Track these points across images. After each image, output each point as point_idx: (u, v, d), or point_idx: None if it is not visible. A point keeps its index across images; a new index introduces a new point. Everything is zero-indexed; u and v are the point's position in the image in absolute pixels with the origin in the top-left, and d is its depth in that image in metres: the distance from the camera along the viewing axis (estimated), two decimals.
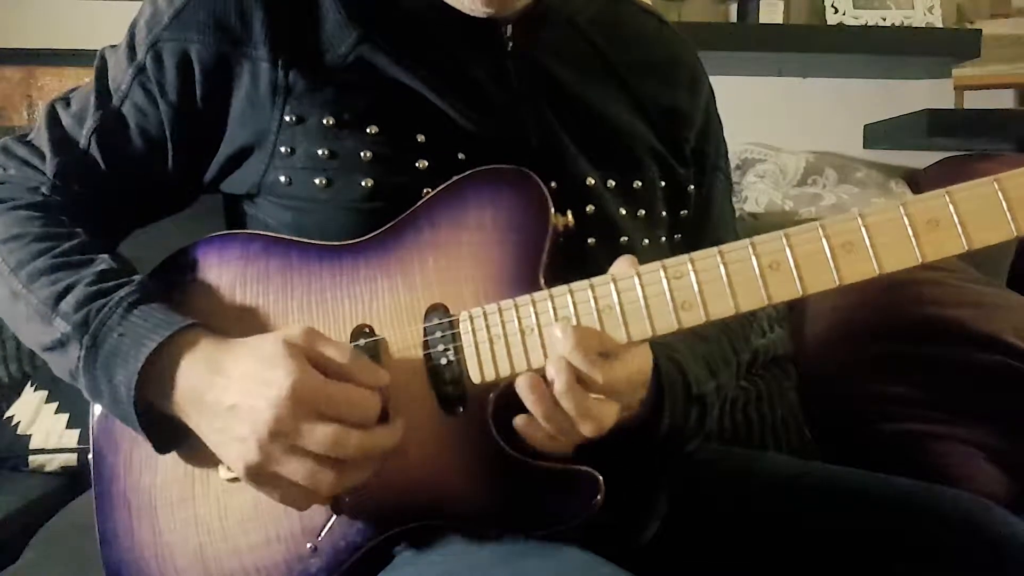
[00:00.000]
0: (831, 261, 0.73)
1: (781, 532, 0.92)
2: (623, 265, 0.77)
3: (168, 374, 0.77)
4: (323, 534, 0.80)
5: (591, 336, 0.74)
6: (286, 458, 0.73)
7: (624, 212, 0.92)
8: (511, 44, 0.91)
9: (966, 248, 0.71)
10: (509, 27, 0.91)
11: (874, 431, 1.52)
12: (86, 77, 0.93)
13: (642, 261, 0.77)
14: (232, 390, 0.75)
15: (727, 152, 1.09)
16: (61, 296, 0.80)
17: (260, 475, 0.75)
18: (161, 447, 0.81)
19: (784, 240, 0.73)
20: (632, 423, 0.82)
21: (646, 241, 0.92)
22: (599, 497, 0.75)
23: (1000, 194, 0.71)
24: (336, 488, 0.75)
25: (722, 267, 0.74)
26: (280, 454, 0.73)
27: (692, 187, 1.00)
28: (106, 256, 0.84)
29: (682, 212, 0.99)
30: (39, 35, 2.01)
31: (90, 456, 0.88)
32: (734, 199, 1.90)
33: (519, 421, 0.76)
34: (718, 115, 1.07)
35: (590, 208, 0.90)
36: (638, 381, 0.79)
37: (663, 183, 0.97)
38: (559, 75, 0.93)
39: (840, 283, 0.73)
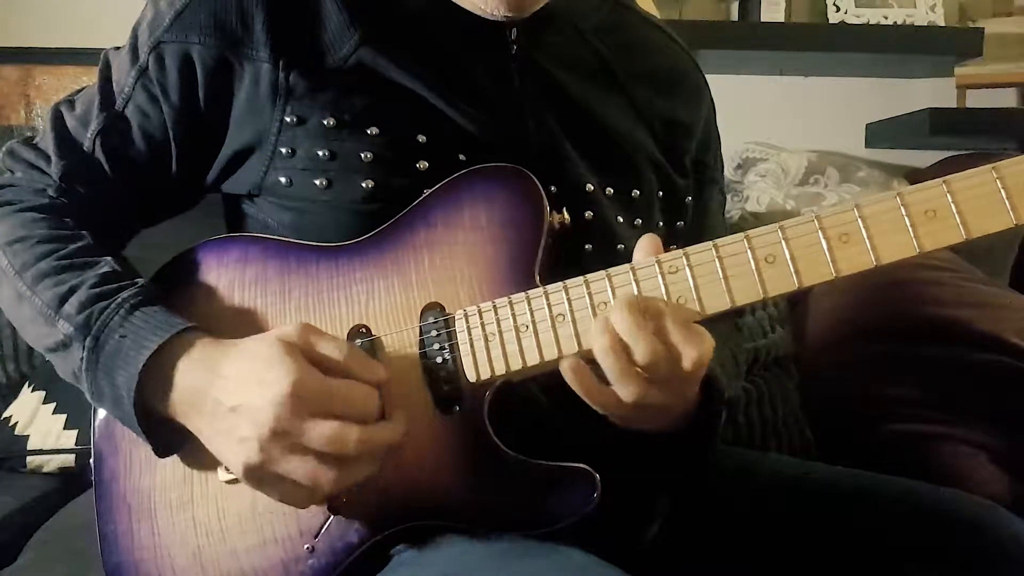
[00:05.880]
0: (828, 253, 0.72)
1: (783, 533, 0.92)
2: (643, 244, 0.77)
3: (167, 376, 0.77)
4: (320, 535, 0.80)
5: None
6: (287, 457, 0.73)
7: (622, 220, 0.92)
8: (515, 47, 0.91)
9: (964, 237, 0.70)
10: (514, 30, 0.91)
11: (876, 431, 1.51)
12: (84, 76, 0.94)
13: None
14: (232, 391, 0.75)
15: (723, 166, 1.10)
16: (64, 298, 0.80)
17: (261, 475, 0.75)
18: (161, 450, 0.81)
19: (780, 233, 0.73)
20: (676, 424, 0.82)
21: None
22: (596, 495, 0.75)
23: (998, 182, 0.70)
24: (337, 486, 0.75)
25: (717, 261, 0.74)
26: (281, 453, 0.73)
27: (690, 198, 1.00)
28: (109, 259, 0.84)
29: (679, 223, 0.99)
30: (37, 34, 2.01)
31: (91, 461, 0.88)
32: (735, 199, 1.93)
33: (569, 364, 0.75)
34: (717, 128, 1.07)
35: (588, 214, 0.90)
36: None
37: (661, 193, 0.97)
38: (561, 80, 0.93)
39: (837, 275, 0.73)
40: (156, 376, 0.77)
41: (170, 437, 0.80)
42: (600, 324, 0.73)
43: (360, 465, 0.75)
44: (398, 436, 0.76)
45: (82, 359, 0.79)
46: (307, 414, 0.73)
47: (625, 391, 0.74)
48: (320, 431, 0.73)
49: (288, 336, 0.76)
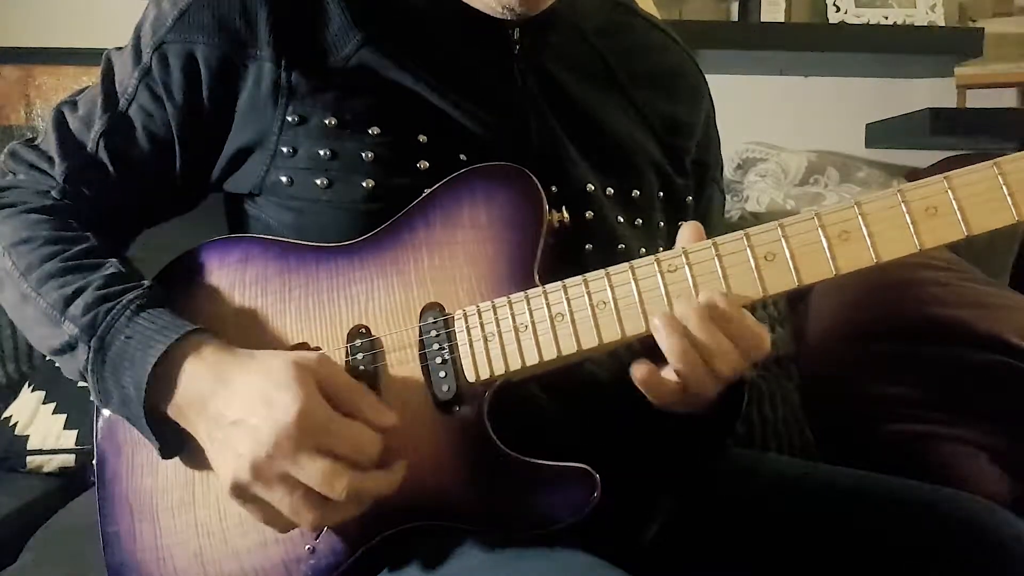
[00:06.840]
0: (828, 251, 0.72)
1: (783, 533, 0.92)
2: (685, 233, 0.77)
3: (173, 378, 0.77)
4: (321, 536, 0.80)
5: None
6: (275, 485, 0.73)
7: (622, 220, 0.92)
8: (518, 47, 0.91)
9: (965, 234, 0.70)
10: (517, 30, 0.91)
11: (876, 431, 1.51)
12: (84, 76, 0.94)
13: None
14: (237, 404, 0.75)
15: (723, 166, 1.10)
16: (70, 299, 0.81)
17: (246, 494, 0.75)
18: (166, 451, 0.81)
19: (780, 231, 0.73)
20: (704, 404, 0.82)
21: (643, 250, 0.92)
22: (596, 495, 0.75)
23: (1000, 178, 0.70)
24: (316, 525, 0.75)
25: (717, 259, 0.74)
26: (271, 478, 0.73)
27: (690, 198, 1.01)
28: (114, 260, 0.84)
29: (679, 223, 0.99)
30: (37, 34, 2.01)
31: (93, 462, 0.88)
32: (735, 199, 1.93)
33: (641, 373, 0.76)
34: (717, 129, 1.07)
35: (589, 214, 0.90)
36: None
37: (661, 193, 0.97)
38: (563, 81, 0.93)
39: (837, 273, 0.72)
40: (162, 378, 0.77)
41: (175, 438, 0.81)
42: (673, 328, 0.74)
43: (345, 508, 0.74)
44: (392, 488, 0.76)
45: (88, 360, 0.79)
46: (305, 447, 0.72)
47: (702, 387, 0.75)
48: (314, 468, 0.72)
49: (305, 361, 0.75)
